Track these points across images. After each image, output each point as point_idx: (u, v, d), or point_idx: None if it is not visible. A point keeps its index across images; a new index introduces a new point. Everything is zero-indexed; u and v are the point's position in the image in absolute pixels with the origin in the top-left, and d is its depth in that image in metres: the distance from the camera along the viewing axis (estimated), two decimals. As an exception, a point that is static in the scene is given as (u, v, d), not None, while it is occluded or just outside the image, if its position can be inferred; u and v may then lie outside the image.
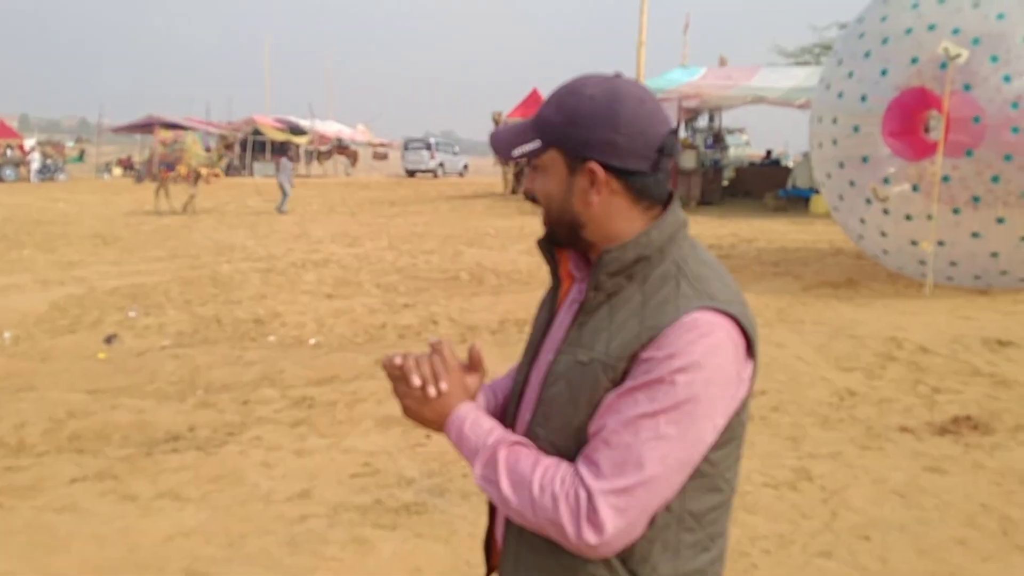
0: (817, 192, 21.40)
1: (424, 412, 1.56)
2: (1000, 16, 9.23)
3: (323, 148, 46.21)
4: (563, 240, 1.58)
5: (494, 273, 12.28)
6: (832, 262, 12.91)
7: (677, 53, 27.87)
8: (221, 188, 32.15)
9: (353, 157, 48.25)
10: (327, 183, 39.01)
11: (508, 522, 1.58)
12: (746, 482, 4.48)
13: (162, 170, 24.14)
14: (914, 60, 9.65)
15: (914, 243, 9.87)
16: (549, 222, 1.59)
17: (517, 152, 1.54)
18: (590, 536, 1.37)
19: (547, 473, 1.42)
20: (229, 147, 25.09)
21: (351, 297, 10.63)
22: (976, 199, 9.30)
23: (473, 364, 1.64)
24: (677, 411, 1.37)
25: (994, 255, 9.56)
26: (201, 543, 4.03)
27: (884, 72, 9.93)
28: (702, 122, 27.20)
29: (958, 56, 9.00)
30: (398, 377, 1.57)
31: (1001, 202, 9.20)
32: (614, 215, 1.53)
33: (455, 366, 1.59)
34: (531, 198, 1.60)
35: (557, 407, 1.50)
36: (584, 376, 1.47)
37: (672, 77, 23.48)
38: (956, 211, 9.43)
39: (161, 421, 5.93)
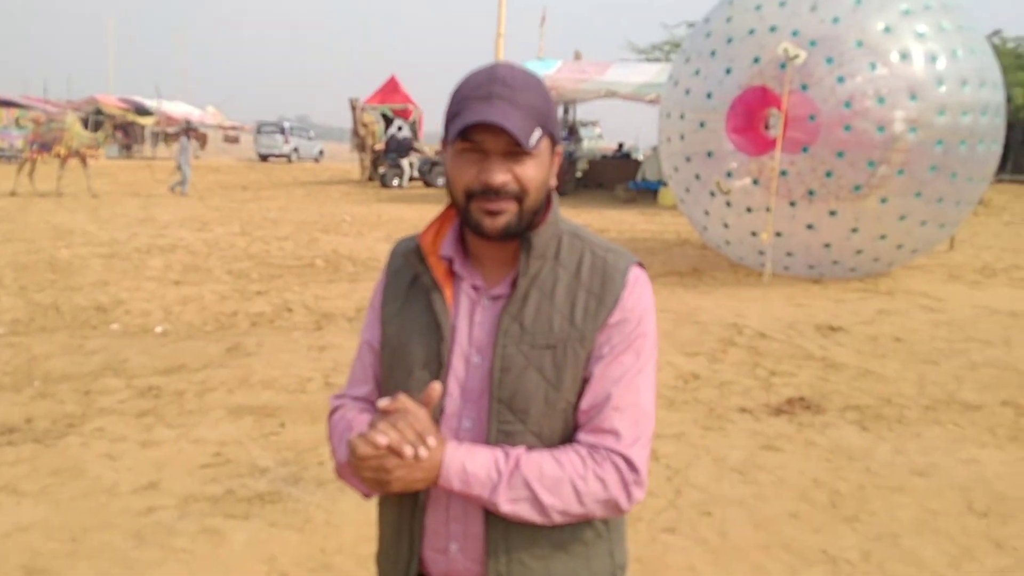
0: (665, 185, 22.14)
1: (416, 475, 1.43)
2: (835, 20, 9.76)
3: (171, 130, 44.43)
4: (520, 229, 1.53)
5: (351, 260, 12.15)
6: (678, 252, 13.39)
7: (534, 46, 28.20)
8: (57, 169, 30.54)
9: (202, 140, 46.62)
10: (173, 166, 37.57)
11: (492, 518, 1.53)
12: (596, 463, 4.62)
13: (33, 150, 22.63)
14: (756, 60, 10.09)
15: (754, 234, 10.35)
16: (526, 211, 1.52)
17: (533, 140, 1.47)
18: (638, 493, 1.52)
19: (576, 463, 1.48)
20: (119, 128, 23.46)
21: (200, 284, 10.30)
22: (811, 193, 9.83)
23: (425, 403, 1.48)
24: (651, 356, 1.58)
25: (827, 246, 10.14)
26: (41, 538, 3.86)
27: (728, 71, 10.36)
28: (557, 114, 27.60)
29: (796, 57, 9.47)
30: (384, 456, 1.40)
31: (834, 196, 9.76)
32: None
33: (421, 410, 1.45)
34: (494, 191, 1.48)
35: (534, 397, 1.51)
36: (560, 358, 1.52)
37: (530, 69, 23.71)
38: (793, 204, 9.95)
39: (-6, 413, 5.63)
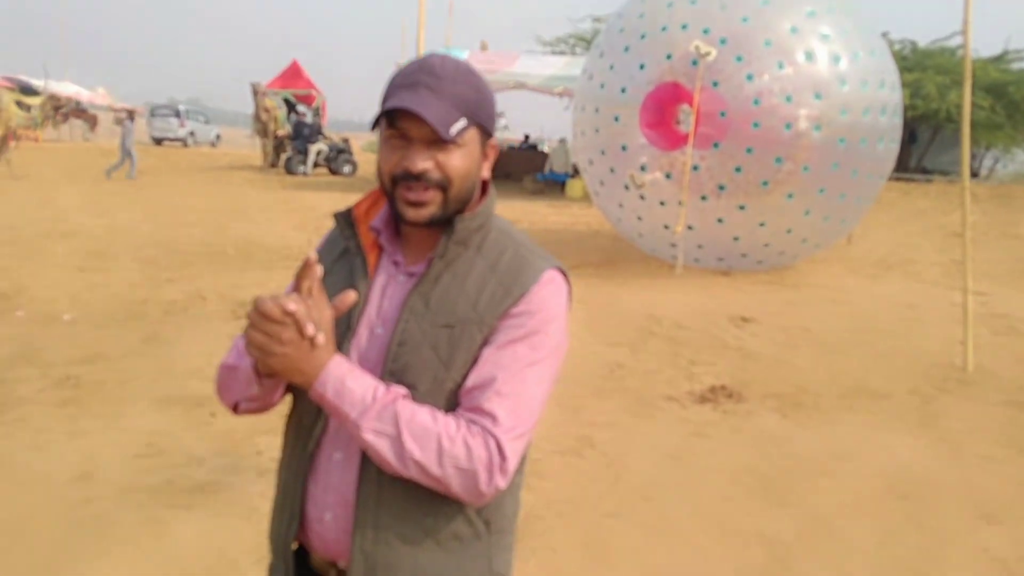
0: (572, 176, 22.42)
1: (302, 364, 1.42)
2: (744, 19, 10.05)
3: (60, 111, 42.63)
4: (446, 218, 1.56)
5: (262, 248, 11.95)
6: (591, 243, 13.60)
7: (441, 35, 28.09)
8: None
9: (92, 121, 44.86)
10: (63, 148, 36.10)
11: (364, 477, 1.53)
12: (536, 450, 4.71)
13: None
14: (668, 56, 10.30)
15: (666, 227, 10.60)
16: (449, 200, 1.55)
17: (454, 130, 1.49)
18: (500, 481, 1.44)
19: (450, 424, 1.44)
20: (58, 108, 22.25)
21: (107, 271, 9.99)
22: (721, 187, 10.12)
23: (337, 306, 1.51)
24: (550, 358, 1.54)
25: (736, 239, 10.47)
26: (-26, 533, 3.74)
27: (642, 66, 10.55)
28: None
29: (708, 54, 9.73)
30: (285, 324, 1.39)
31: (743, 191, 10.06)
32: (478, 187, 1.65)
33: (326, 303, 1.48)
34: (414, 177, 1.51)
35: (423, 373, 1.51)
36: (455, 337, 1.51)
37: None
38: (704, 198, 10.22)
39: (-97, 405, 5.38)
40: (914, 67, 25.53)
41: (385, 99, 1.52)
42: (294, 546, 1.65)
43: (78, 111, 43.57)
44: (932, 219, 16.64)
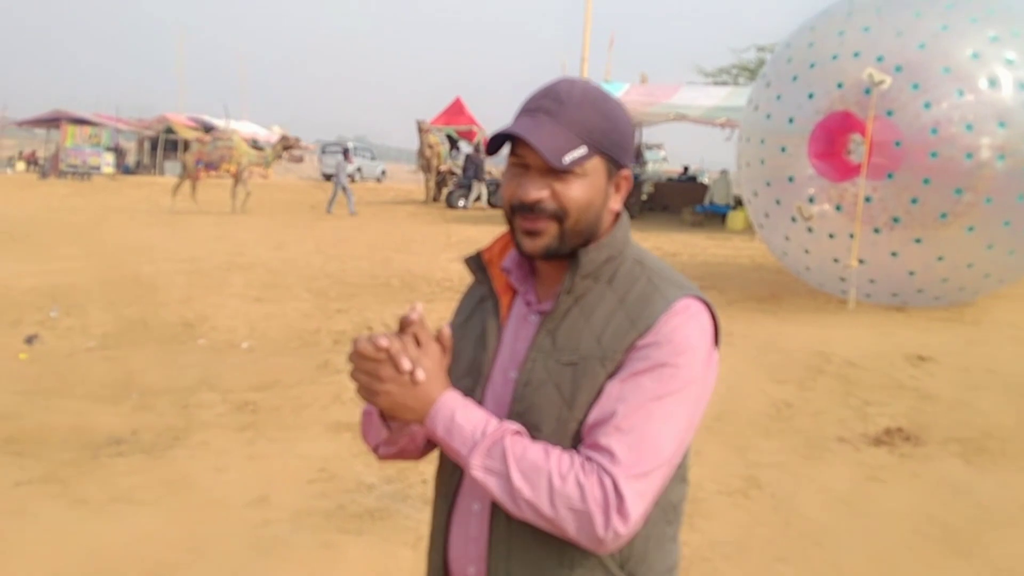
0: (733, 208, 22.01)
1: (407, 401, 1.40)
2: (921, 46, 9.65)
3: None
4: (566, 251, 1.49)
5: (425, 280, 12.27)
6: (754, 277, 13.27)
7: (601, 69, 28.24)
8: (127, 187, 31.37)
9: (270, 159, 47.36)
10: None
11: (495, 528, 1.48)
12: (700, 490, 4.61)
13: (199, 168, 23.51)
14: (839, 85, 10.00)
15: (836, 260, 10.23)
16: (567, 232, 1.47)
17: (568, 159, 1.41)
18: (619, 526, 1.32)
19: (563, 461, 1.35)
20: (289, 148, 24.16)
21: (281, 301, 10.49)
22: (896, 220, 9.69)
23: (443, 349, 1.49)
24: (682, 393, 1.40)
25: (911, 273, 9.98)
26: (162, 548, 3.97)
27: (811, 96, 10.28)
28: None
29: (882, 82, 9.38)
30: (381, 361, 1.38)
31: (919, 223, 9.61)
32: (609, 218, 1.56)
33: (435, 345, 1.46)
34: (528, 207, 1.46)
35: (547, 413, 1.44)
36: (579, 375, 1.44)
37: (598, 86, 23.83)
38: (877, 231, 9.81)
39: (100, 424, 5.80)
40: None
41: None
42: None
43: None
44: None
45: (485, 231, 19.49)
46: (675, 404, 1.39)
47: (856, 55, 9.94)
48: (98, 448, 5.29)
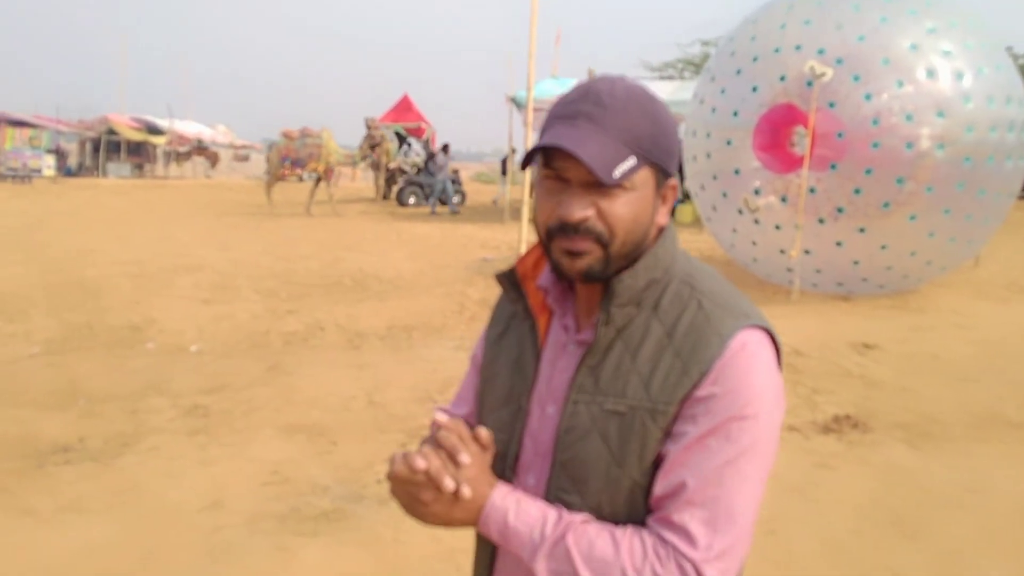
0: (681, 202, 22.18)
1: (455, 514, 1.28)
2: (861, 38, 9.81)
3: (182, 149, 44.64)
4: (609, 274, 1.32)
5: (377, 279, 12.19)
6: (703, 269, 13.36)
7: (548, 64, 28.30)
8: (70, 189, 30.75)
9: (213, 159, 46.78)
10: (186, 185, 37.77)
11: None
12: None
13: (286, 166, 22.91)
14: (782, 78, 10.13)
15: (782, 252, 10.37)
16: (613, 255, 1.30)
17: (619, 173, 1.24)
18: None
19: (635, 551, 1.22)
20: (374, 147, 23.82)
21: (230, 302, 10.36)
22: (840, 210, 9.85)
23: (482, 447, 1.34)
24: (755, 448, 1.24)
25: (856, 263, 10.15)
26: (113, 558, 3.90)
27: (754, 89, 10.40)
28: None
29: (823, 75, 9.52)
30: (420, 484, 1.26)
31: (862, 213, 9.78)
32: (654, 233, 1.38)
33: (474, 446, 1.31)
34: (572, 228, 1.27)
35: (595, 468, 1.29)
36: (626, 428, 1.28)
37: (544, 88, 23.87)
38: (821, 221, 9.97)
39: (46, 432, 5.68)
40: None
41: (542, 133, 1.29)
42: None
43: (200, 149, 45.52)
44: (1066, 239, 15.85)
45: (436, 228, 19.44)
46: (748, 462, 1.24)
47: (798, 48, 10.08)
48: (44, 456, 5.19)
